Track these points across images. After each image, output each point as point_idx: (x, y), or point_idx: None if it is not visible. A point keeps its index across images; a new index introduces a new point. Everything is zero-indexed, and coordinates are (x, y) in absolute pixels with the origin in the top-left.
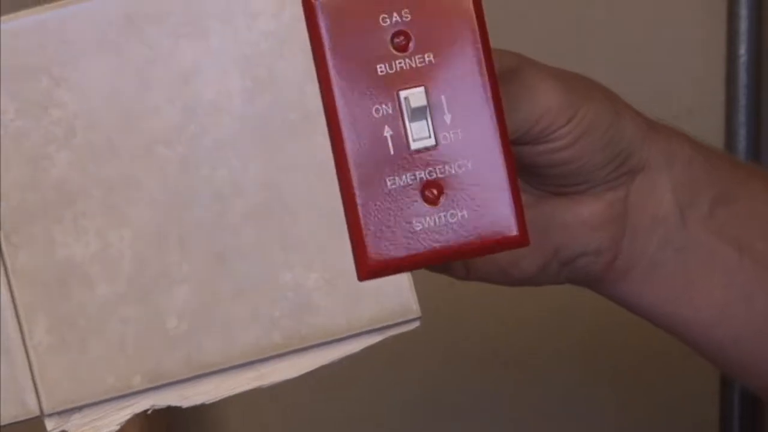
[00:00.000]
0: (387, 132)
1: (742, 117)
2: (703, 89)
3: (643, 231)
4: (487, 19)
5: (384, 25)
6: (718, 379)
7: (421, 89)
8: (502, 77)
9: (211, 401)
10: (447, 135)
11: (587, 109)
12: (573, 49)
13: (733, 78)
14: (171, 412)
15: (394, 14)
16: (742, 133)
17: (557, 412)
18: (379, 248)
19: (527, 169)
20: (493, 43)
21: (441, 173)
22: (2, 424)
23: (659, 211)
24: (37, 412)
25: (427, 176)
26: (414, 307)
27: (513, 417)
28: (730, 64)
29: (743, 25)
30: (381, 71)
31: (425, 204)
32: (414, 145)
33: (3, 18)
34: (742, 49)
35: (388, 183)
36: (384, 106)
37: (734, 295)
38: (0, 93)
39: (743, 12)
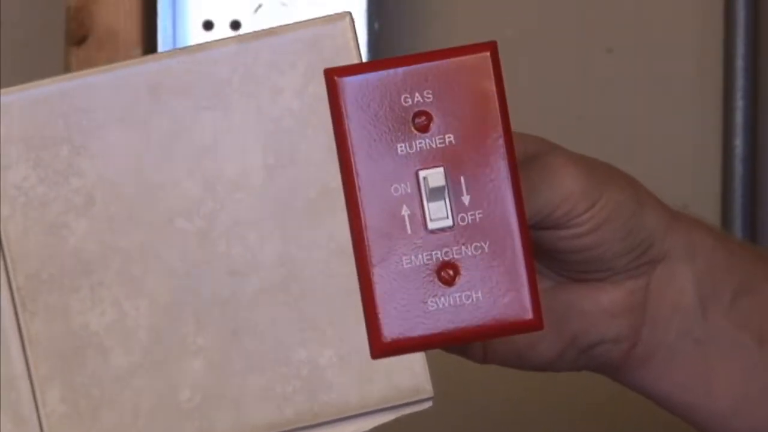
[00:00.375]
0: (405, 211)
1: (738, 209)
2: (699, 181)
3: (663, 320)
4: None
5: (405, 105)
6: None
7: (441, 170)
8: (526, 160)
9: None
10: (465, 216)
11: (609, 197)
12: (575, 143)
13: (729, 170)
14: None
15: (416, 94)
16: (738, 224)
17: None
18: (392, 327)
19: (548, 254)
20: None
21: (457, 254)
22: None
23: (680, 301)
24: None
25: (444, 257)
26: (427, 387)
27: None
28: (725, 156)
29: (739, 117)
30: (401, 150)
31: (441, 284)
32: (431, 225)
33: (25, 86)
34: (738, 141)
35: (404, 262)
36: (403, 185)
37: (754, 387)
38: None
39: (739, 104)
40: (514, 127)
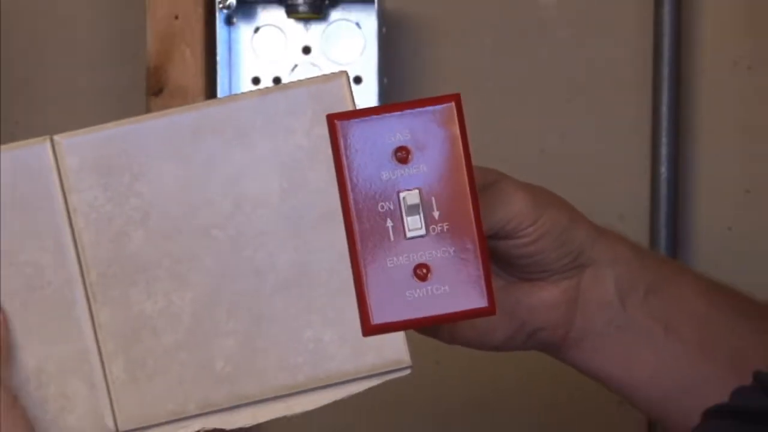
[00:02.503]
0: (389, 223)
1: (663, 220)
2: (633, 199)
3: (591, 312)
4: (470, 141)
5: (389, 142)
6: (646, 424)
7: (416, 191)
8: (485, 187)
9: (248, 425)
10: (435, 227)
11: (548, 216)
12: (535, 173)
13: (656, 190)
14: None
15: (398, 134)
16: (663, 233)
17: None
18: (379, 313)
19: (502, 259)
20: (476, 162)
21: (430, 257)
22: None
23: (604, 297)
24: (113, 430)
25: (419, 259)
26: (406, 359)
27: None
28: (654, 180)
29: (664, 150)
30: (385, 177)
31: (416, 280)
32: (409, 234)
33: (98, 127)
34: (663, 168)
35: (388, 263)
36: (387, 203)
37: (661, 363)
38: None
39: (663, 140)
40: (492, 154)
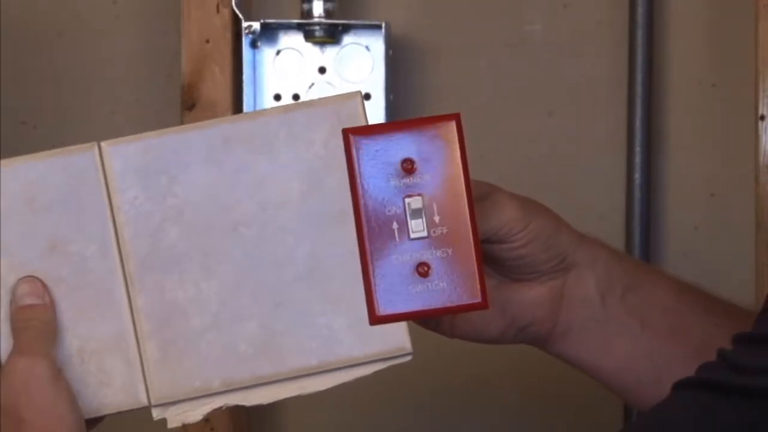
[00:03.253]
0: (395, 226)
1: (637, 220)
2: (611, 201)
3: (574, 308)
4: (469, 156)
5: (396, 154)
6: (622, 407)
7: (419, 198)
8: (481, 197)
9: (267, 402)
10: (436, 230)
11: (536, 223)
12: (524, 178)
13: (631, 194)
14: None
15: (404, 147)
16: (637, 231)
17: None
18: (384, 305)
19: (495, 261)
20: (473, 169)
21: (430, 256)
22: (123, 410)
23: (586, 295)
24: (146, 404)
25: (421, 258)
26: (408, 347)
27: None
28: (629, 185)
29: (638, 159)
30: (393, 184)
31: (418, 276)
32: (412, 235)
33: (139, 136)
34: (637, 175)
35: (394, 260)
36: (394, 207)
37: (637, 353)
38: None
39: (637, 149)
40: (486, 161)
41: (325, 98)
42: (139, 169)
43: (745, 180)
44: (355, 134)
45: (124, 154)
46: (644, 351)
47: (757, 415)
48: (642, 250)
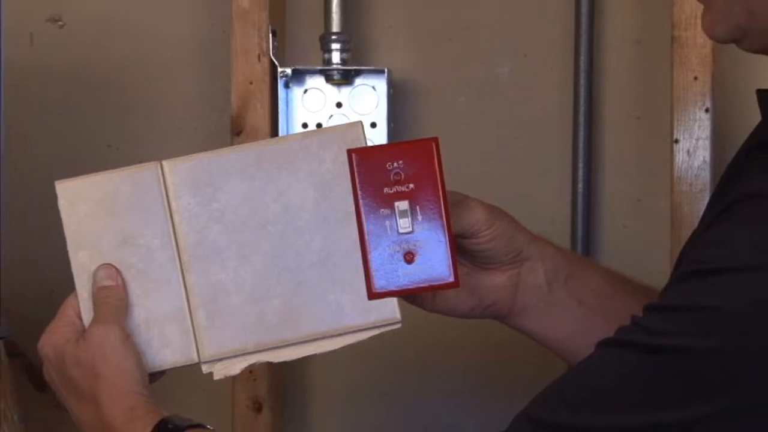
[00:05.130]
0: (387, 223)
1: (580, 222)
2: (560, 208)
3: (527, 292)
4: (446, 171)
5: (388, 168)
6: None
7: (406, 202)
8: (457, 203)
9: (291, 359)
10: (418, 226)
11: (499, 224)
12: (493, 189)
13: (575, 201)
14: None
15: (394, 163)
16: (580, 231)
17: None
18: (379, 284)
19: (467, 253)
20: (454, 179)
21: (414, 247)
22: (178, 366)
23: (536, 282)
24: (197, 361)
25: (407, 248)
26: (398, 317)
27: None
28: (573, 194)
29: (581, 173)
30: (386, 192)
31: (405, 262)
32: (401, 231)
33: (190, 156)
34: (580, 185)
35: (387, 250)
36: (386, 209)
37: (577, 327)
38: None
39: (580, 165)
40: (463, 175)
41: (334, 126)
42: (191, 181)
43: (664, 189)
44: (356, 153)
45: (180, 170)
46: (582, 325)
47: (660, 365)
48: (583, 245)
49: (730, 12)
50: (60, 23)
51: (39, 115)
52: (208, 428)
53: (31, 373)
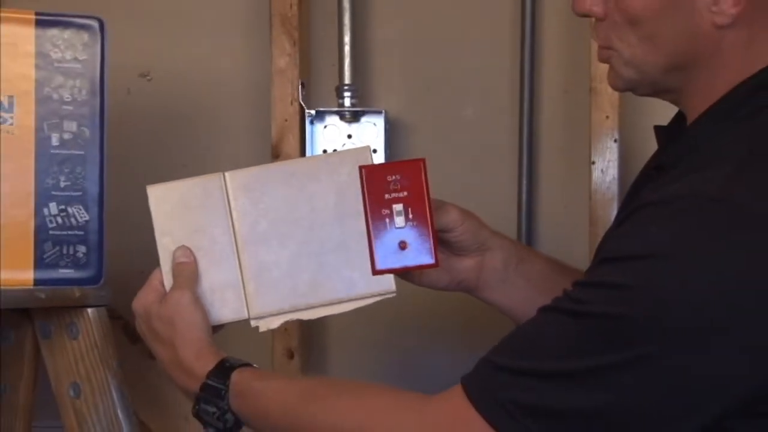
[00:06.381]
0: (387, 220)
1: (524, 223)
2: (508, 212)
3: (489, 272)
4: (430, 181)
5: (388, 180)
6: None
7: (401, 205)
8: (438, 206)
9: (316, 318)
10: (410, 223)
11: (469, 222)
12: (462, 200)
13: (520, 208)
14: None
15: (393, 176)
16: (524, 229)
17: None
18: (380, 263)
19: (445, 243)
20: (435, 186)
21: (406, 237)
22: (233, 320)
23: (495, 266)
24: (247, 317)
25: (401, 238)
26: (393, 288)
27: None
28: (519, 202)
29: (525, 185)
30: (386, 197)
31: (400, 249)
32: (397, 226)
33: (244, 169)
34: (525, 195)
35: (386, 239)
36: (386, 210)
37: (526, 299)
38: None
39: (525, 179)
40: (438, 185)
41: (349, 149)
42: (245, 187)
43: (584, 198)
44: (365, 168)
45: (237, 179)
46: (529, 296)
47: (584, 325)
48: (527, 239)
49: (625, 71)
50: (148, 78)
51: (135, 145)
52: (255, 366)
53: (126, 331)
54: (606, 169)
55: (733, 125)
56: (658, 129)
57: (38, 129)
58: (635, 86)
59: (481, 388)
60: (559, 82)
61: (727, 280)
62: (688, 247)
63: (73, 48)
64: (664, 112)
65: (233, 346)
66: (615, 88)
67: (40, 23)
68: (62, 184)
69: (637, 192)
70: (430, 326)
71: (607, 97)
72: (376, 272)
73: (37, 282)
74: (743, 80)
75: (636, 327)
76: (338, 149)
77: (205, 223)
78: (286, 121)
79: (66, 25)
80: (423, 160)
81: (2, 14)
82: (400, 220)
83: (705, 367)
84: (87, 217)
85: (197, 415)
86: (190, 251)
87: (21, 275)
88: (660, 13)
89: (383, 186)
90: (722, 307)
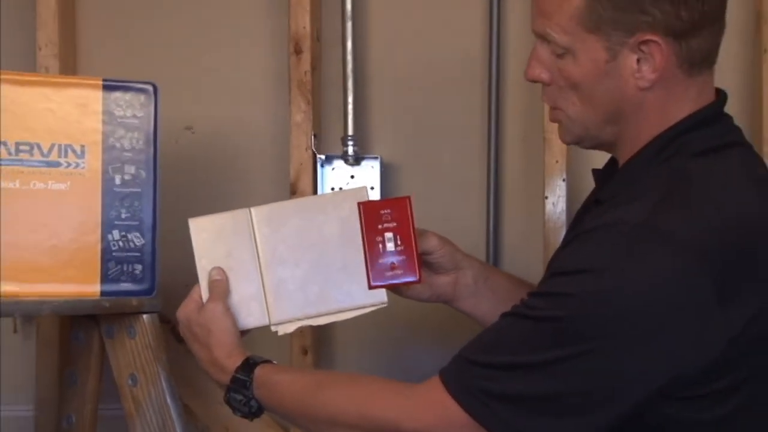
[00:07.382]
0: (380, 246)
1: (491, 246)
2: (477, 236)
3: (462, 287)
4: (414, 213)
5: (381, 213)
6: None
7: (392, 233)
8: (421, 234)
9: (324, 324)
10: (398, 248)
11: (446, 248)
12: (439, 227)
13: (488, 233)
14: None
15: (385, 210)
16: (492, 252)
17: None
18: (375, 281)
19: (427, 264)
20: (418, 217)
21: (395, 260)
22: (257, 326)
23: (467, 282)
24: (268, 324)
25: (392, 260)
26: (385, 300)
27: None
28: (487, 228)
29: (492, 215)
30: (380, 227)
31: (390, 269)
32: (388, 250)
33: (266, 205)
34: (492, 223)
35: (380, 261)
36: (380, 237)
37: (493, 308)
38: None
39: (491, 211)
40: (422, 217)
41: (350, 189)
42: (267, 219)
43: (539, 225)
44: (363, 204)
45: (261, 213)
46: (495, 307)
47: (536, 327)
48: (494, 260)
49: (572, 128)
50: (192, 131)
51: (181, 184)
52: (274, 362)
53: (173, 332)
54: (557, 202)
55: (656, 167)
56: (595, 171)
57: (104, 171)
58: (580, 140)
59: (455, 378)
60: (519, 132)
61: (649, 288)
62: (618, 262)
63: (132, 107)
64: (600, 157)
65: (260, 346)
66: (564, 142)
67: (106, 87)
68: (123, 216)
69: (580, 220)
70: (415, 330)
71: (558, 146)
72: (371, 287)
73: (103, 293)
74: (662, 131)
75: (577, 327)
76: (342, 188)
77: (234, 248)
78: (301, 164)
79: (127, 89)
80: (409, 198)
81: (75, 80)
82: (390, 246)
83: (633, 358)
84: (143, 242)
85: (228, 402)
86: (223, 271)
87: (90, 288)
88: (595, 80)
89: (377, 218)
90: (644, 310)
